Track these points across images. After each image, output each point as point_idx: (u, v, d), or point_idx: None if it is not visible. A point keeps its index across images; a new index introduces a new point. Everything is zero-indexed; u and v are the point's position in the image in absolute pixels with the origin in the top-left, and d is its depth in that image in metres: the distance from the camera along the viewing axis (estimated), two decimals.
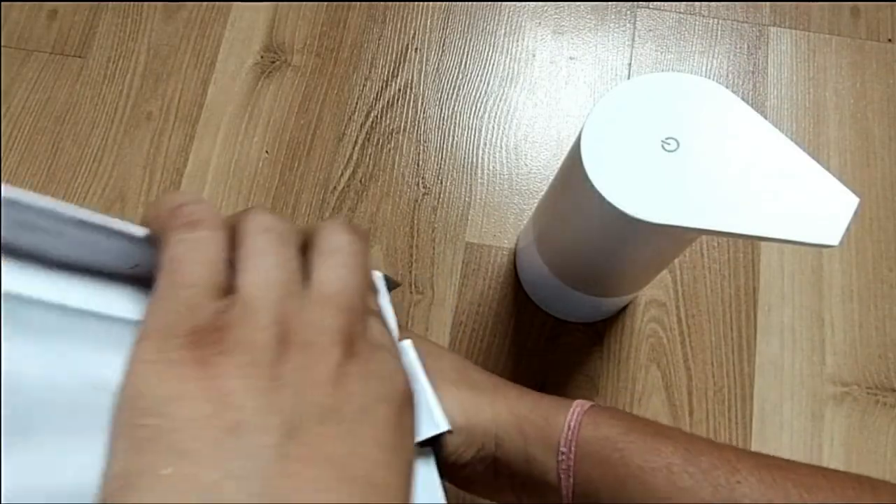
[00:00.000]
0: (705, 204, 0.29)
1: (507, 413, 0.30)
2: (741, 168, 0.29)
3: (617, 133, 0.30)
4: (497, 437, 0.30)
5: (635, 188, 0.29)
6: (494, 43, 0.56)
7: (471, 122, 0.54)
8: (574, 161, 0.31)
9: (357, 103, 0.54)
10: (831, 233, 0.28)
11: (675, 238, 0.34)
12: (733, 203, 0.29)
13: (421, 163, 0.53)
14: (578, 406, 0.30)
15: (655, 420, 0.31)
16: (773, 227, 0.28)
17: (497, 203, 0.52)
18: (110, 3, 0.56)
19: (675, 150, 0.30)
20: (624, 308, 0.48)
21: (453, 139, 0.53)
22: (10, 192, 0.15)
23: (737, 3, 0.56)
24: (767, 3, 0.56)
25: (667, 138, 0.30)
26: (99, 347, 0.17)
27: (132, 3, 0.56)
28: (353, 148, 0.53)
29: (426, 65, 0.55)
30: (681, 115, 0.30)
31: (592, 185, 0.29)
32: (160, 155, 0.53)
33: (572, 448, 0.28)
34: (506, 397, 0.31)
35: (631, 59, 0.55)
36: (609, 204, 0.29)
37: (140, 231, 0.18)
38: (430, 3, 0.56)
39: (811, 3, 0.56)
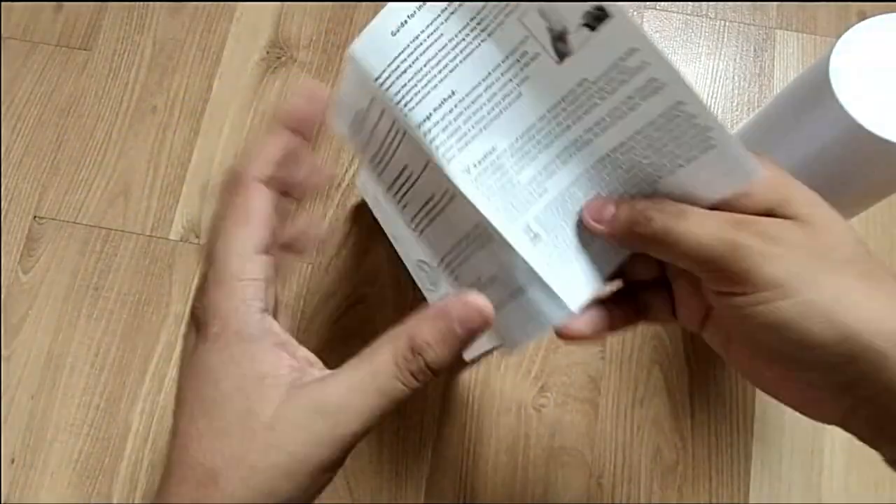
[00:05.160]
0: None
1: None
2: None
3: (865, 59, 0.32)
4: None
5: (883, 110, 0.31)
6: None
7: None
8: (815, 86, 0.33)
9: None
10: None
11: None
12: None
13: None
14: None
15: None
16: None
17: None
18: (117, 1, 0.56)
19: None
20: None
21: None
22: None
23: (743, 5, 0.56)
24: (774, 6, 0.56)
25: None
26: None
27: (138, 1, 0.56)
28: None
29: None
30: None
31: (841, 107, 0.31)
32: (165, 149, 0.53)
33: None
34: None
35: None
36: (858, 125, 0.30)
37: None
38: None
39: (818, 7, 0.56)
